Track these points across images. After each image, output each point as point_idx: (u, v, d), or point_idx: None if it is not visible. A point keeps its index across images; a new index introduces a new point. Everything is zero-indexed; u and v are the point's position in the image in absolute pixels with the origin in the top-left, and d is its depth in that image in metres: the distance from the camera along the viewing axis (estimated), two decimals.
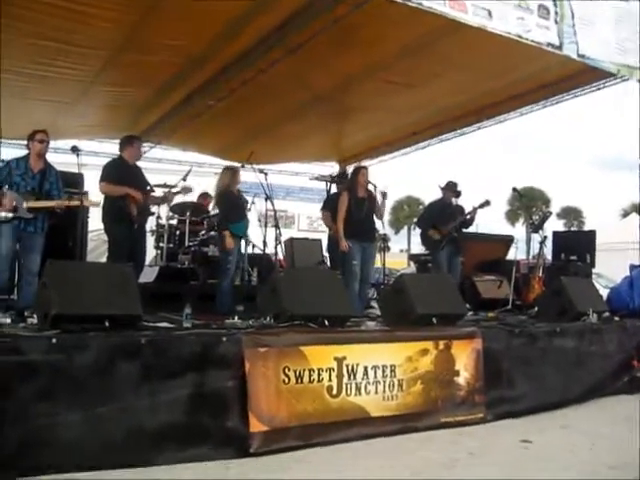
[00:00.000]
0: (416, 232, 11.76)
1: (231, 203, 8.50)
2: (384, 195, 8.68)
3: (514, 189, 11.25)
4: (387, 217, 9.16)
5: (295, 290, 6.02)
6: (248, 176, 9.44)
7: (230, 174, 8.61)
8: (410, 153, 13.56)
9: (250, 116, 10.68)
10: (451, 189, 10.07)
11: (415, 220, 15.07)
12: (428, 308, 6.49)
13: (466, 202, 10.19)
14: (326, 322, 5.90)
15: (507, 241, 12.01)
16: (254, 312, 6.43)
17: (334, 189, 11.26)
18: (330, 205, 9.61)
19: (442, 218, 9.85)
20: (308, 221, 20.46)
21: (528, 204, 30.79)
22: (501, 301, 9.40)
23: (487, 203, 9.93)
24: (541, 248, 9.79)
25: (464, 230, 10.09)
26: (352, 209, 8.40)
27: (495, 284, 10.17)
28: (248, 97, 9.60)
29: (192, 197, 10.08)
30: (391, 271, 13.19)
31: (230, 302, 7.92)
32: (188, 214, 10.23)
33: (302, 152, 13.80)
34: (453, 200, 10.13)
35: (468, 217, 9.97)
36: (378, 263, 9.81)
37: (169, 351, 4.90)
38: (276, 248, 9.05)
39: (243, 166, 9.34)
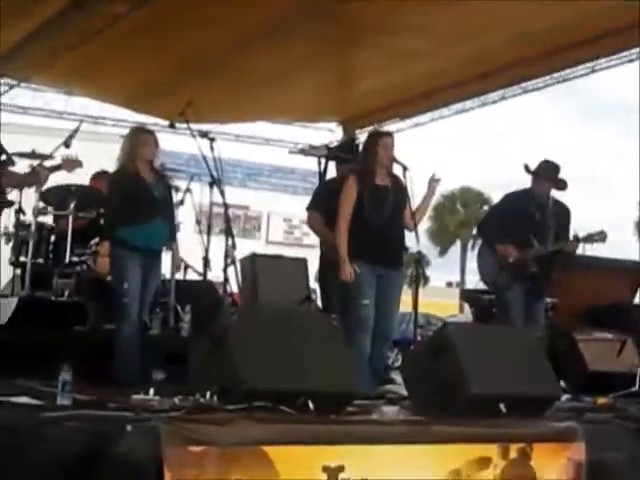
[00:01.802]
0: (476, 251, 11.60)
1: (130, 190, 8.58)
2: (432, 183, 8.78)
3: None
4: (425, 222, 9.19)
5: (258, 347, 6.05)
6: (182, 143, 9.52)
7: (136, 140, 8.73)
8: (468, 112, 13.67)
9: (186, 38, 10.75)
10: (548, 175, 9.76)
11: (476, 229, 15.05)
12: (491, 386, 6.55)
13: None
14: (311, 404, 5.93)
15: (635, 272, 12.06)
16: (183, 383, 6.46)
17: (333, 172, 11.28)
18: (325, 200, 9.68)
19: (526, 228, 9.73)
20: (285, 226, 20.57)
21: None
22: (622, 377, 9.45)
23: (601, 236, 9.69)
24: None
25: None
26: (365, 207, 8.47)
27: (612, 347, 10.24)
28: (182, 3, 9.67)
29: (80, 178, 10.13)
30: (429, 319, 13.28)
31: (139, 364, 7.96)
32: (72, 206, 10.26)
33: (277, 104, 13.89)
34: (551, 194, 9.90)
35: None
36: (407, 305, 9.85)
37: (34, 446, 4.93)
38: (226, 271, 9.09)
39: (173, 125, 9.40)
